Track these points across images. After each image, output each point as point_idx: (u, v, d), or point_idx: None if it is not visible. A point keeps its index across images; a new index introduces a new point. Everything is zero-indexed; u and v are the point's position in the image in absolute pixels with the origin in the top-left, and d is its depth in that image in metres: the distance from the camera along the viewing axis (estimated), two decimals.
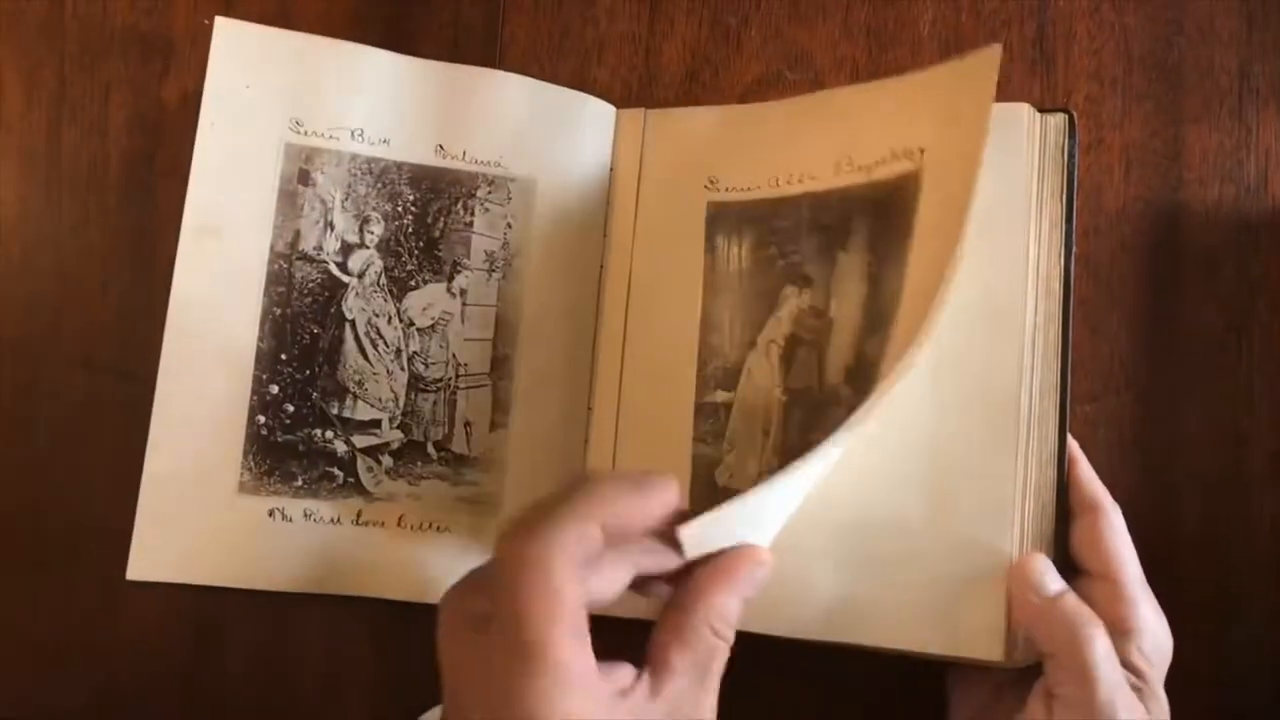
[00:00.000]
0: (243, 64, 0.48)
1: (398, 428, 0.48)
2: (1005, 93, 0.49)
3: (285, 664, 0.47)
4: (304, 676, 0.47)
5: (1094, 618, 0.38)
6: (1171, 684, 0.40)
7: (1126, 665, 0.39)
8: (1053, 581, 0.39)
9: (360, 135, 0.48)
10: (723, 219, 0.48)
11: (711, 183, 0.48)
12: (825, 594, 0.42)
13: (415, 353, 0.48)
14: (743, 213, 0.47)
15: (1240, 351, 0.49)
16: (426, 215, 0.48)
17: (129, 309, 0.48)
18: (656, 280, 0.48)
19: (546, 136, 0.49)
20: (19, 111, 0.49)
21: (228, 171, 0.47)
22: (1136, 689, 0.38)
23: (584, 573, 0.31)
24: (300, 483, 0.47)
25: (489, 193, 0.49)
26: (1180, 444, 0.48)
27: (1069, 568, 0.41)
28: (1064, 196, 0.43)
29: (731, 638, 0.35)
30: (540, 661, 0.29)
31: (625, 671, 0.33)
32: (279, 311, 0.47)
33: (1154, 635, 0.40)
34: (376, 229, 0.48)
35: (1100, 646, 0.38)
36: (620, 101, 0.50)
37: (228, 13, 0.50)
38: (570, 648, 0.30)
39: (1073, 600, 0.39)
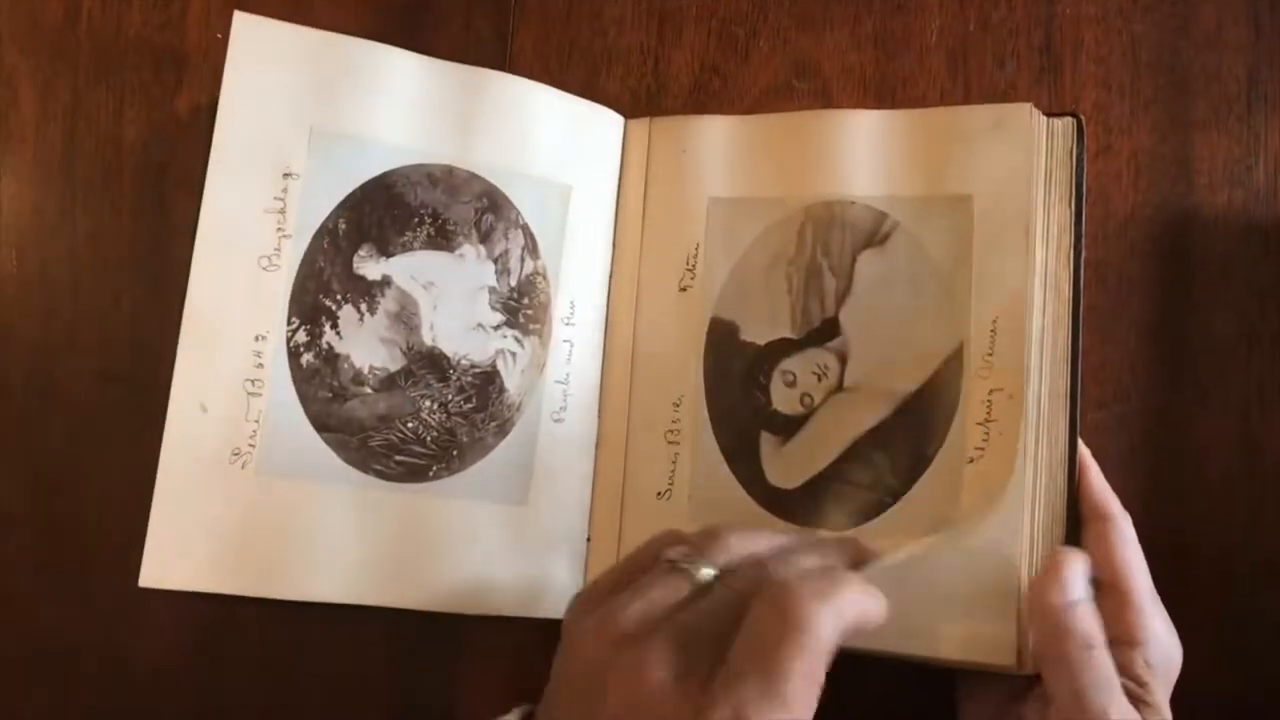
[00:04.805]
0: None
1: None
2: (1012, 101, 0.50)
3: (296, 673, 0.47)
4: (315, 686, 0.47)
5: (1100, 639, 0.38)
6: (1181, 692, 0.40)
7: (1128, 674, 0.39)
8: (1078, 588, 0.39)
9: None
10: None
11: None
12: None
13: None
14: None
15: (1250, 357, 0.49)
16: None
17: (142, 319, 0.48)
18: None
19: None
20: (33, 123, 0.49)
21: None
22: (1137, 699, 0.38)
23: None
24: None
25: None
26: (1191, 451, 0.48)
27: None
28: (1072, 201, 0.43)
29: None
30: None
31: None
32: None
33: (1162, 648, 0.40)
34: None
35: (1096, 671, 0.37)
36: (629, 112, 0.50)
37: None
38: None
39: (1085, 613, 0.39)
